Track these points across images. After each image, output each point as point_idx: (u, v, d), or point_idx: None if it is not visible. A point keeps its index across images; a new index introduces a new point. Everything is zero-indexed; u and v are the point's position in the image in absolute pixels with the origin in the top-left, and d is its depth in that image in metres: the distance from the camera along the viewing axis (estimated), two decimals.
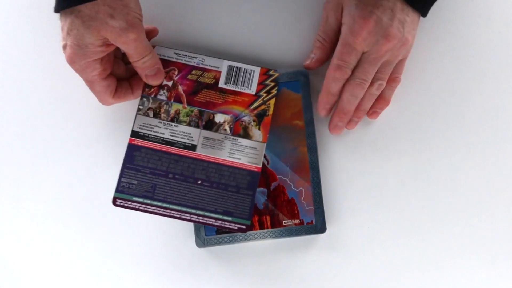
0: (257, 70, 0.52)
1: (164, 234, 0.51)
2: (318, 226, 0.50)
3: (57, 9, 0.43)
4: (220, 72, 0.51)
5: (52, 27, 0.53)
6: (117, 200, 0.47)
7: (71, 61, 0.44)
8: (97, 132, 0.52)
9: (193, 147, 0.49)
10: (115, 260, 0.51)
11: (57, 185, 0.52)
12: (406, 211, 0.52)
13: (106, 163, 0.52)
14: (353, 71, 0.49)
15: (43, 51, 0.53)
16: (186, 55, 0.51)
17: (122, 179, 0.48)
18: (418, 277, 0.51)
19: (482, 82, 0.54)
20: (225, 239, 0.49)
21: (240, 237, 0.49)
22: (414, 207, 0.52)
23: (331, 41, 0.51)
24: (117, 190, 0.48)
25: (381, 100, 0.52)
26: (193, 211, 0.48)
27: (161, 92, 0.50)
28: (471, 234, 0.52)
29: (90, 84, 0.47)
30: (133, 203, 0.47)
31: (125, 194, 0.47)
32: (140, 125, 0.49)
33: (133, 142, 0.49)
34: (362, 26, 0.47)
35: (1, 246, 0.51)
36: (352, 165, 0.52)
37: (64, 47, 0.44)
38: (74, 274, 0.51)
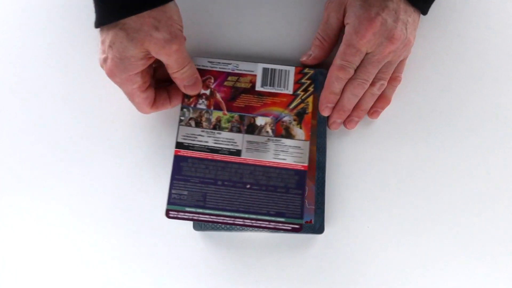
0: (292, 70, 0.52)
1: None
2: (316, 226, 0.50)
3: (100, 24, 0.43)
4: (255, 75, 0.52)
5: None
6: (170, 212, 0.48)
7: (112, 74, 0.45)
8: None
9: (238, 152, 0.50)
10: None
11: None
12: (406, 211, 0.52)
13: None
14: (355, 71, 0.49)
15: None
16: (220, 63, 0.52)
17: (173, 191, 0.48)
18: (419, 277, 0.51)
19: (481, 80, 0.54)
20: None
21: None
22: (415, 207, 0.52)
23: (330, 41, 0.52)
24: (168, 202, 0.48)
25: (382, 99, 0.52)
26: (246, 215, 0.48)
27: (200, 101, 0.51)
28: (472, 234, 0.52)
29: (130, 96, 0.47)
30: (186, 214, 0.48)
31: (177, 206, 0.48)
32: (184, 136, 0.50)
33: (179, 153, 0.49)
34: (368, 28, 0.47)
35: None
36: (353, 165, 0.52)
37: (105, 60, 0.44)
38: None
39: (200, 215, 0.48)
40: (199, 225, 0.50)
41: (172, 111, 0.53)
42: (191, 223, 0.51)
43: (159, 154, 0.52)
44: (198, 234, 0.51)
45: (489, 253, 0.51)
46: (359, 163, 0.52)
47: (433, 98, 0.54)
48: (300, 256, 0.51)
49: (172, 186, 0.48)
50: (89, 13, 0.54)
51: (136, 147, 0.52)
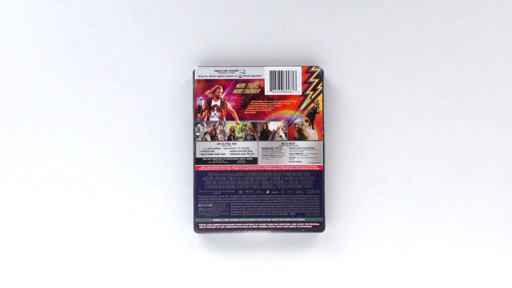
0: (299, 70, 0.52)
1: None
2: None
3: None
4: (263, 80, 0.52)
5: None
6: (199, 225, 0.52)
7: None
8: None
9: (254, 160, 0.52)
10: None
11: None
12: (406, 211, 0.53)
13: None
14: None
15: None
16: (227, 70, 0.52)
17: (199, 205, 0.52)
18: (419, 278, 0.53)
19: (481, 80, 0.53)
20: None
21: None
22: (415, 207, 0.53)
23: None
24: (196, 216, 0.52)
25: None
26: (268, 219, 0.52)
27: (212, 113, 0.52)
28: (474, 234, 0.53)
29: None
30: (213, 224, 0.52)
31: (205, 218, 0.52)
32: (201, 151, 0.52)
33: (199, 169, 0.52)
34: None
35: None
36: (352, 164, 0.53)
37: None
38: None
39: (226, 224, 0.52)
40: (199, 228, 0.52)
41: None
42: (191, 224, 0.53)
43: (163, 160, 0.54)
44: (198, 236, 0.53)
45: (492, 255, 0.53)
46: (359, 162, 0.54)
47: (433, 97, 0.53)
48: (300, 256, 0.54)
49: (197, 201, 0.52)
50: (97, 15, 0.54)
51: (143, 151, 0.54)
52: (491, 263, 0.53)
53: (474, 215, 0.54)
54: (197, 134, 0.52)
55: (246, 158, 0.52)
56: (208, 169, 0.52)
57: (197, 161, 0.52)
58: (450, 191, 0.54)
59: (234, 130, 0.52)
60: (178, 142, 0.53)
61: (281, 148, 0.52)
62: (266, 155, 0.52)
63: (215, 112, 0.52)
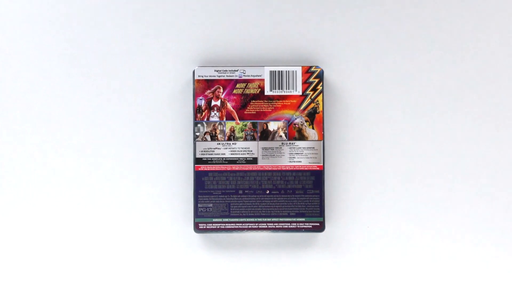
0: (299, 70, 0.52)
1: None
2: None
3: None
4: (263, 80, 0.52)
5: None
6: (199, 225, 0.52)
7: None
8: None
9: (254, 160, 0.52)
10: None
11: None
12: (406, 211, 0.53)
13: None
14: None
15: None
16: (227, 70, 0.52)
17: (199, 205, 0.52)
18: (419, 278, 0.53)
19: (481, 80, 0.53)
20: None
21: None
22: (415, 207, 0.53)
23: None
24: (196, 216, 0.52)
25: None
26: (268, 219, 0.52)
27: (212, 113, 0.52)
28: (474, 234, 0.53)
29: None
30: (213, 224, 0.52)
31: (205, 218, 0.52)
32: (201, 151, 0.52)
33: (199, 169, 0.52)
34: None
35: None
36: (352, 164, 0.53)
37: None
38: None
39: (226, 224, 0.52)
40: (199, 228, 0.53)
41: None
42: (191, 224, 0.53)
43: (163, 160, 0.54)
44: (198, 236, 0.53)
45: (492, 255, 0.53)
46: (359, 163, 0.54)
47: (433, 97, 0.53)
48: (300, 256, 0.54)
49: (197, 201, 0.52)
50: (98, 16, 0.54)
51: (143, 151, 0.55)
52: (491, 263, 0.53)
53: (474, 215, 0.54)
54: (197, 134, 0.52)
55: (246, 158, 0.52)
56: (208, 169, 0.52)
57: (197, 161, 0.52)
58: (450, 191, 0.54)
59: (234, 130, 0.52)
60: (178, 142, 0.53)
61: (281, 148, 0.52)
62: (266, 155, 0.52)
63: (215, 112, 0.52)
